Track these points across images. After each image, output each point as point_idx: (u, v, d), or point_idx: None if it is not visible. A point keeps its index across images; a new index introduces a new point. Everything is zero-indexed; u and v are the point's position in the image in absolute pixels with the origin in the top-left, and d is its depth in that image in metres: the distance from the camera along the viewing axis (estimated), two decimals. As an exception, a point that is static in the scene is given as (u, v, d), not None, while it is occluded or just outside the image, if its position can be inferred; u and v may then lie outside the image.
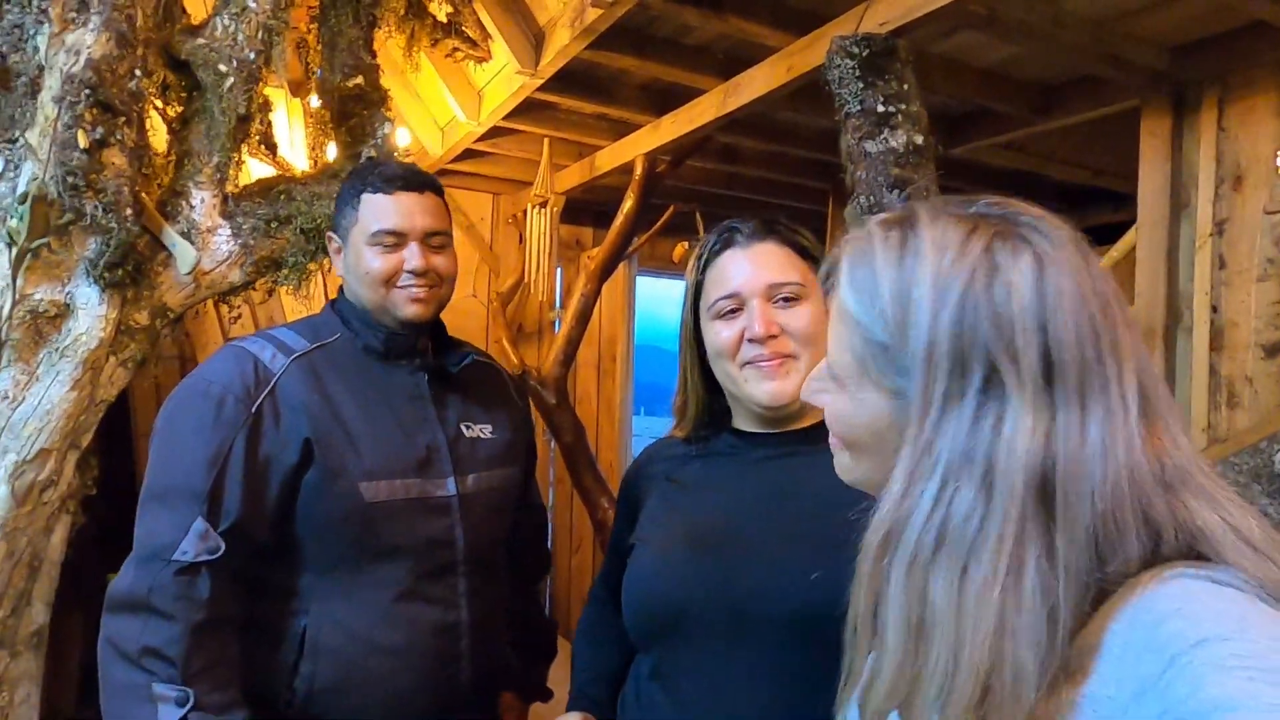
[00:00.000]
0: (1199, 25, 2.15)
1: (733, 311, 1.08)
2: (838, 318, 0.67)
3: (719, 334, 1.08)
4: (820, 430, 1.10)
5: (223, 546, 1.20)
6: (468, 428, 1.44)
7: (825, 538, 0.87)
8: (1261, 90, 2.16)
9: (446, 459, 1.38)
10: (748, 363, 1.06)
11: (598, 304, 3.51)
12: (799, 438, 1.10)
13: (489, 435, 1.46)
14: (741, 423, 1.15)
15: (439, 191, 1.41)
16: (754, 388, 1.06)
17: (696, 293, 1.14)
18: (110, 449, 2.77)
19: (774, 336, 1.05)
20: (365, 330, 1.38)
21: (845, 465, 0.71)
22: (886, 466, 0.61)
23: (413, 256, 1.34)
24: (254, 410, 1.26)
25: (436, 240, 1.38)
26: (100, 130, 1.36)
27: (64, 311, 1.39)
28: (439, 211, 1.39)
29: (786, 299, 1.07)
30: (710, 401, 1.17)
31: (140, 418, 2.84)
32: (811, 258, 1.12)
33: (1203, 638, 0.50)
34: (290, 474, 1.27)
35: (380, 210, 1.34)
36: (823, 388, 0.70)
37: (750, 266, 1.08)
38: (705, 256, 1.13)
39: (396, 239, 1.34)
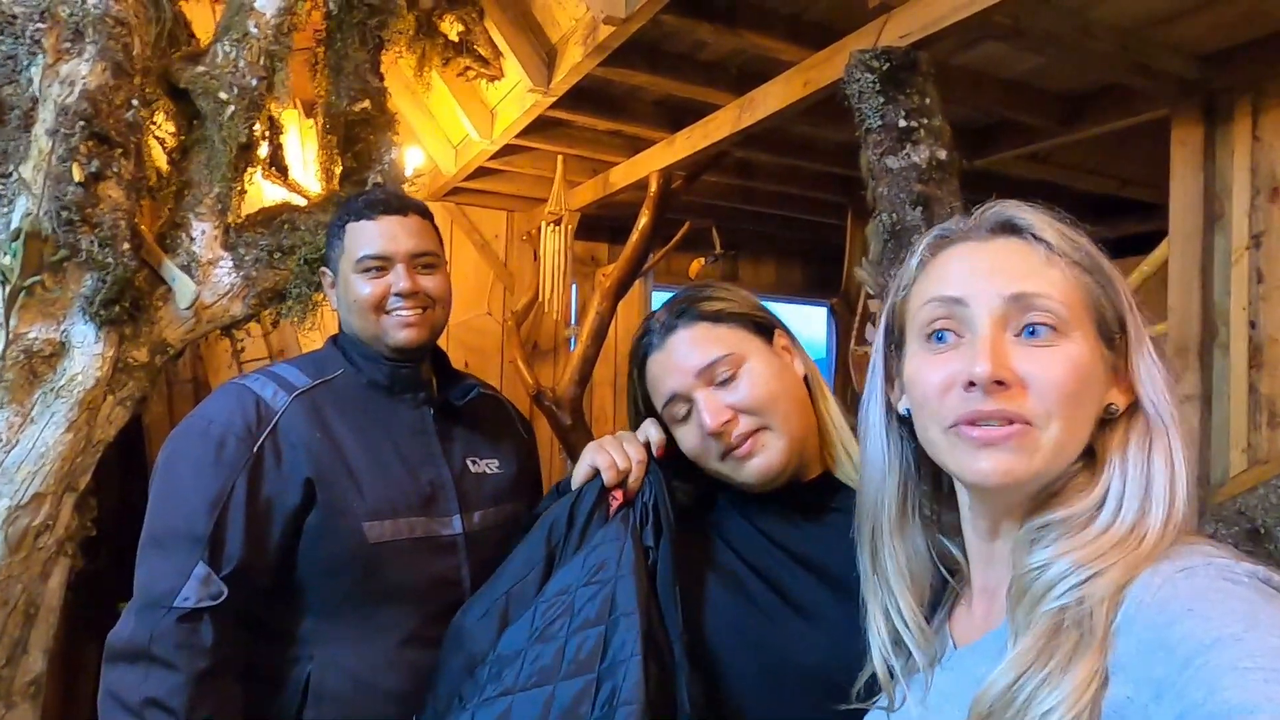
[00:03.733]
0: (1231, 32, 2.08)
1: (687, 413, 1.01)
2: None
3: (685, 440, 1.02)
4: (820, 484, 1.03)
5: (225, 592, 1.17)
6: (473, 463, 1.40)
7: (849, 600, 0.82)
8: (1298, 98, 2.08)
9: (452, 496, 1.34)
10: (724, 455, 1.00)
11: (613, 321, 3.46)
12: (804, 491, 1.04)
13: (495, 470, 1.42)
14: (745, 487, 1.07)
15: (424, 213, 1.39)
16: (741, 475, 1.00)
17: (649, 402, 1.07)
18: (127, 475, 2.76)
19: (727, 422, 0.98)
20: (368, 365, 1.35)
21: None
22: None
23: (399, 279, 1.31)
24: (255, 450, 1.22)
25: (424, 261, 1.35)
26: (96, 163, 1.33)
27: (59, 350, 1.35)
28: (425, 232, 1.37)
29: (725, 378, 0.99)
30: (698, 492, 1.08)
31: (155, 444, 2.82)
32: (729, 318, 1.03)
33: (1216, 638, 0.50)
34: (293, 515, 1.23)
35: (364, 236, 1.32)
36: None
37: (673, 363, 1.01)
38: (636, 371, 1.07)
39: (382, 263, 1.32)
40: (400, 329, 1.32)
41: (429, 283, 1.34)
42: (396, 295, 1.31)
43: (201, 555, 1.16)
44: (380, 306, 1.31)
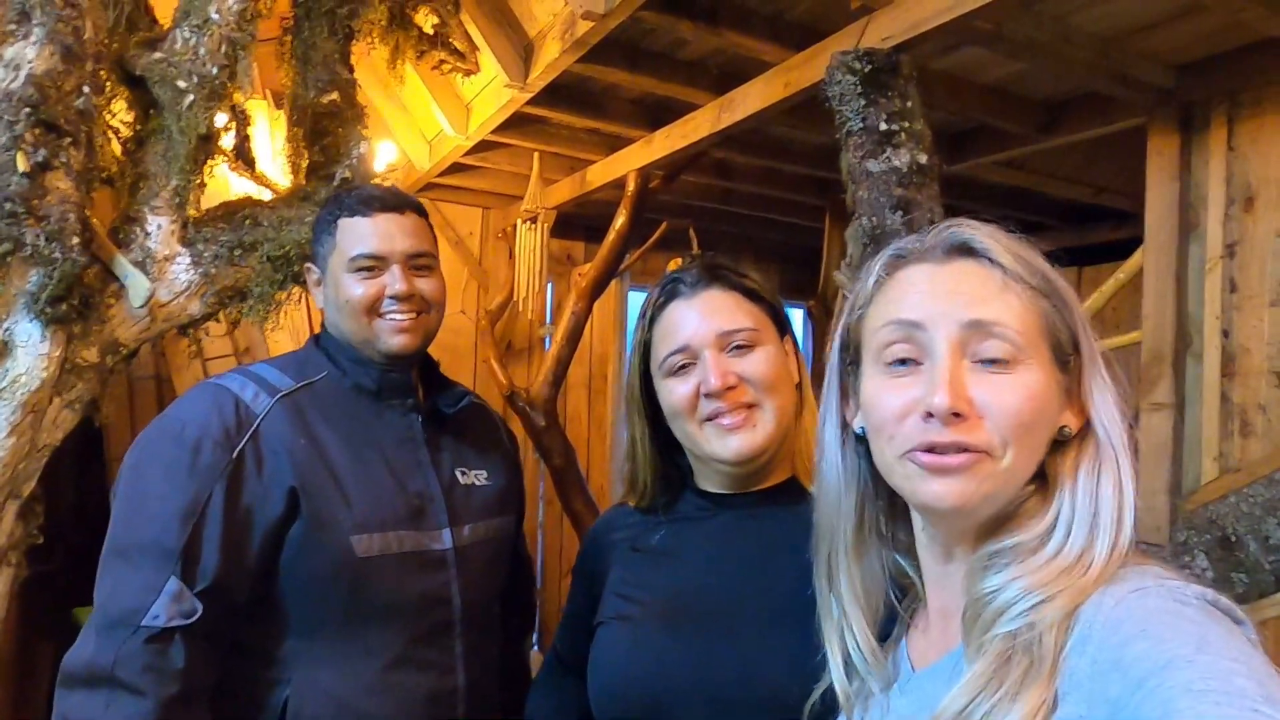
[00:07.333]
0: (1208, 42, 2.09)
1: (685, 367, 1.00)
2: None
3: (673, 392, 1.01)
4: (788, 488, 1.03)
5: (199, 609, 1.08)
6: (462, 474, 1.33)
7: (808, 613, 0.81)
8: (1272, 109, 2.09)
9: (441, 509, 1.27)
10: (707, 419, 0.99)
11: (589, 322, 3.42)
12: (767, 497, 1.03)
13: (484, 482, 1.35)
14: (706, 483, 1.06)
15: (421, 212, 1.32)
16: (717, 445, 0.99)
17: (645, 351, 1.06)
18: (83, 473, 2.68)
19: (731, 388, 0.98)
20: (354, 368, 1.28)
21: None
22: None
23: (395, 280, 1.25)
24: (234, 456, 1.14)
25: (420, 262, 1.29)
26: (43, 152, 1.26)
27: (1, 350, 1.29)
28: (422, 232, 1.30)
29: (740, 346, 1.00)
30: (664, 470, 1.09)
31: (113, 440, 2.74)
32: (761, 299, 1.05)
33: (1169, 659, 0.51)
34: (274, 526, 1.15)
35: (358, 234, 1.25)
36: None
37: (698, 317, 1.01)
38: (650, 312, 1.06)
39: (377, 263, 1.25)
40: (394, 334, 1.25)
41: (424, 285, 1.28)
42: (391, 298, 1.24)
43: (174, 569, 1.08)
44: (373, 309, 1.25)
